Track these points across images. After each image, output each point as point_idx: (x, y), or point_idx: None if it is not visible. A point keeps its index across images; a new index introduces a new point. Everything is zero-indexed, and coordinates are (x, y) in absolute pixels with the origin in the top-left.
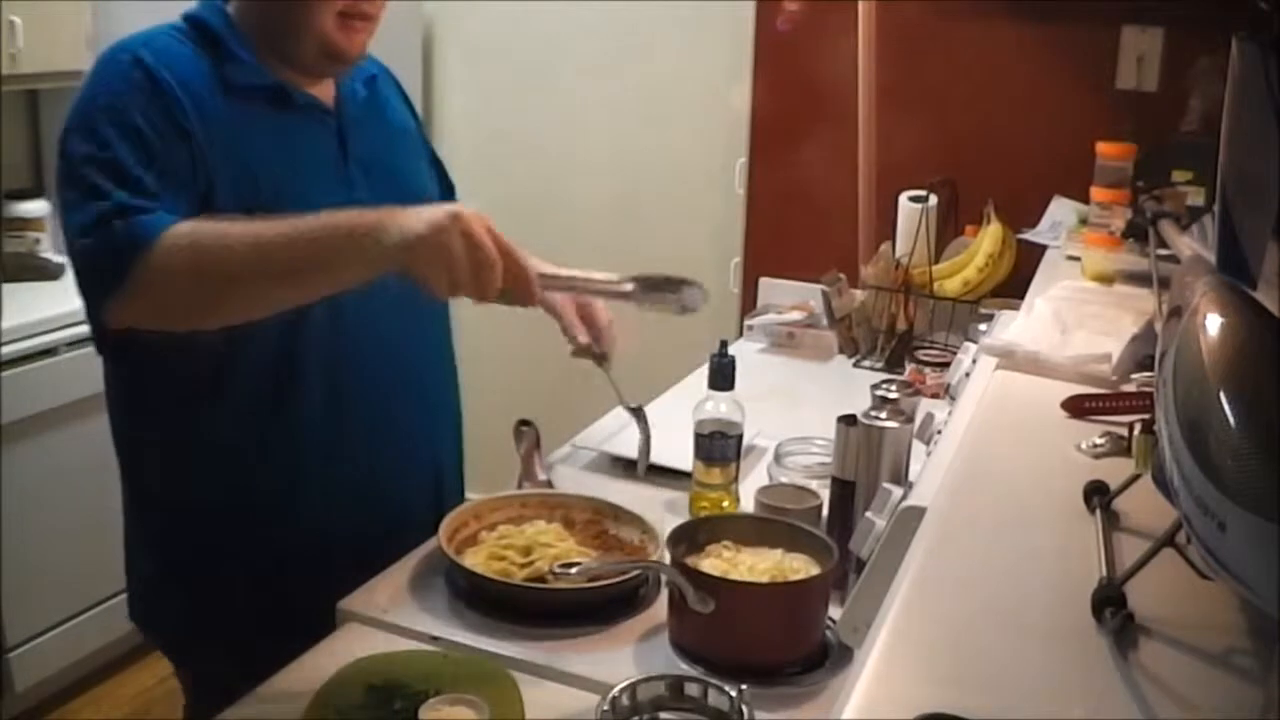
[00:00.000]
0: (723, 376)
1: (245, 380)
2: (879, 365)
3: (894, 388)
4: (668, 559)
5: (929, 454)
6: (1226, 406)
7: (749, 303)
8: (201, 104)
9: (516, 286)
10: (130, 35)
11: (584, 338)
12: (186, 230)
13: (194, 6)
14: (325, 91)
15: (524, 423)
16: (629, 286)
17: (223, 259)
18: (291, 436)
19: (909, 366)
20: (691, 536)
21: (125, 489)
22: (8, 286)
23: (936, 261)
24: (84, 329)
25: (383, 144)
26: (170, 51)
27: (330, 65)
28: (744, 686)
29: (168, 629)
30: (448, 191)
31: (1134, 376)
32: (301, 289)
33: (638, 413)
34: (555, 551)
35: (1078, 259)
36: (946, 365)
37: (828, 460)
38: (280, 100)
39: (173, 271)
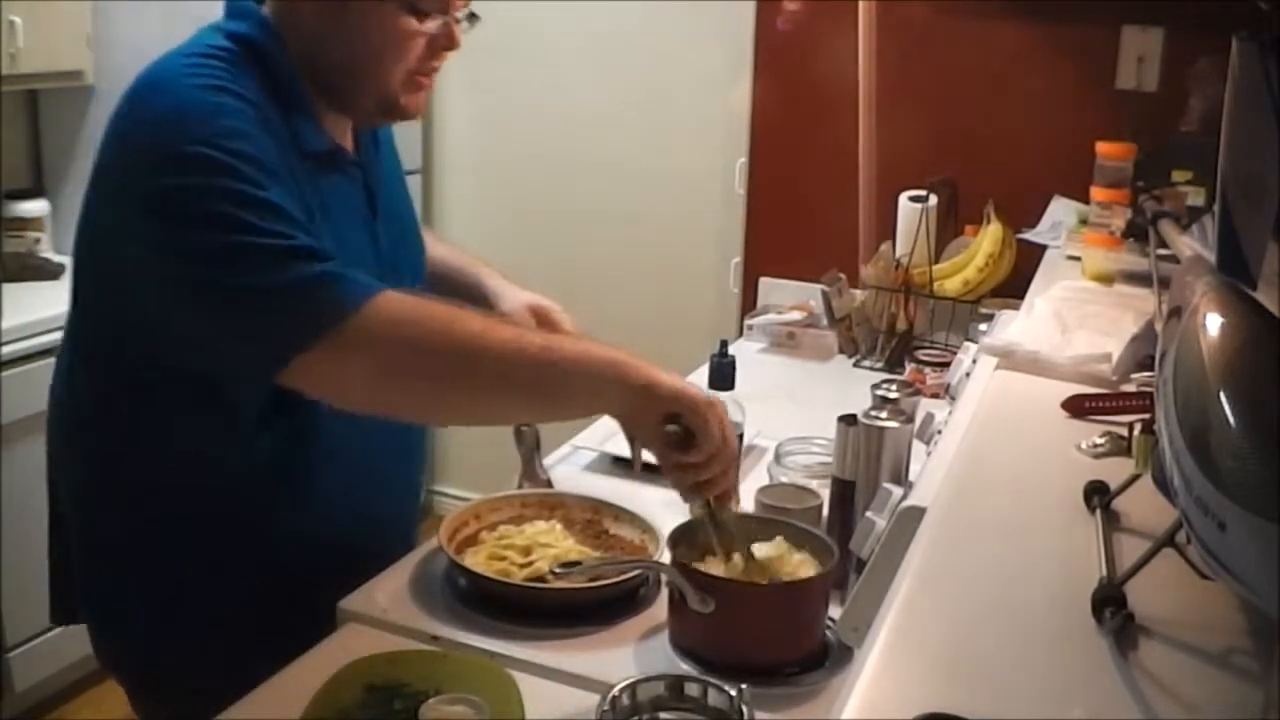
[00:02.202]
0: (723, 376)
1: (238, 397)
2: (879, 365)
3: (894, 388)
4: (668, 559)
5: (929, 454)
6: (1226, 406)
7: (749, 303)
8: (289, 155)
9: (726, 492)
10: (173, 63)
11: None
12: (415, 299)
13: (234, 24)
14: (346, 133)
15: (524, 423)
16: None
17: (468, 347)
18: (281, 452)
19: (909, 366)
20: (691, 536)
21: (95, 496)
22: (8, 286)
23: (936, 261)
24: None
25: (392, 188)
26: (251, 90)
27: (384, 120)
28: (744, 686)
29: (153, 639)
30: None
31: (1134, 376)
32: (531, 408)
33: None
34: (555, 551)
35: (1078, 259)
36: (946, 365)
37: (828, 460)
38: (329, 163)
39: (402, 339)
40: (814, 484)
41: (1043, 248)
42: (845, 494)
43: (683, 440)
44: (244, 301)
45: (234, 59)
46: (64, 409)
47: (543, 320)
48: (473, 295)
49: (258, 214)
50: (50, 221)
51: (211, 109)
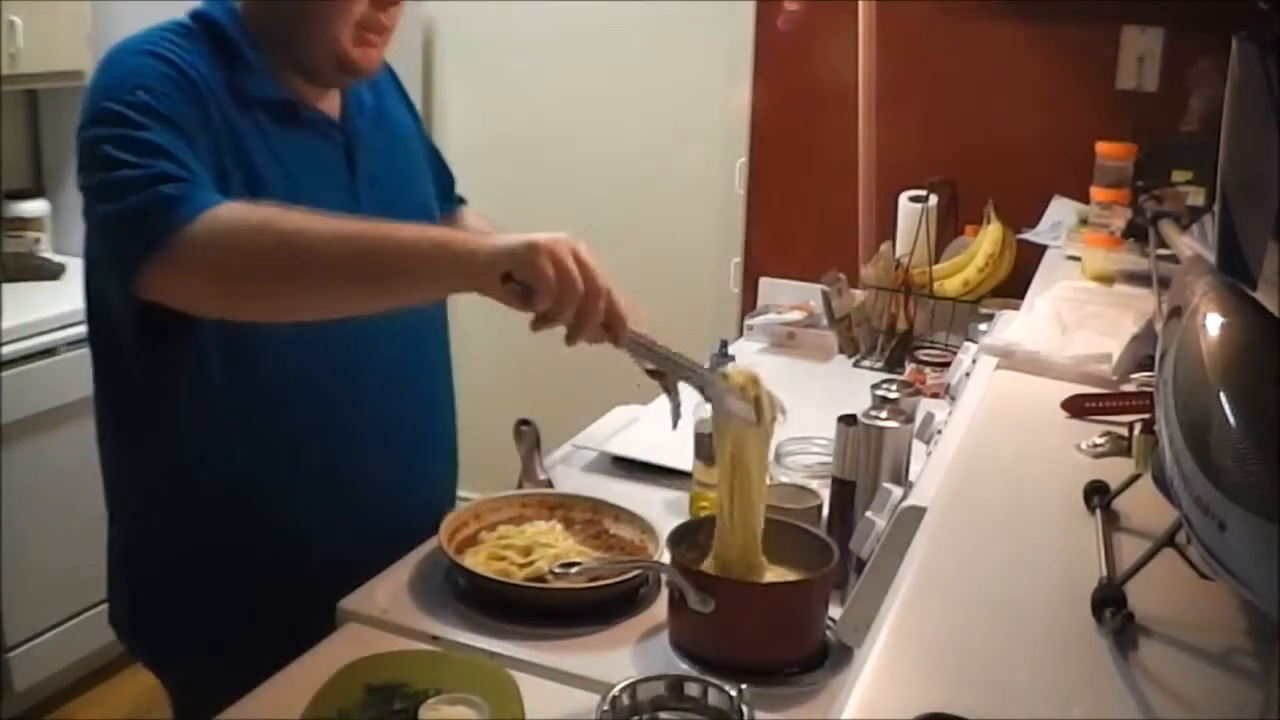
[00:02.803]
0: None
1: (247, 385)
2: (879, 365)
3: (894, 388)
4: (668, 559)
5: (929, 454)
6: (1226, 406)
7: (749, 303)
8: (224, 109)
9: (611, 325)
10: (131, 37)
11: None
12: (254, 207)
13: (202, 5)
14: (331, 101)
15: (524, 423)
16: (710, 387)
17: (292, 244)
18: (289, 440)
19: (909, 366)
20: (691, 536)
21: (114, 498)
22: (8, 286)
23: (936, 261)
24: (84, 329)
25: (388, 156)
26: (185, 52)
27: (343, 78)
28: (744, 686)
29: (158, 638)
30: (448, 182)
31: (1134, 376)
32: (370, 296)
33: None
34: (555, 551)
35: (1078, 259)
36: (946, 365)
37: (828, 460)
38: (288, 116)
39: (231, 243)
40: (814, 484)
41: (1043, 248)
42: (845, 494)
43: (528, 293)
44: (105, 228)
45: (184, 31)
46: (94, 404)
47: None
48: None
49: (135, 152)
50: (50, 221)
51: (129, 70)
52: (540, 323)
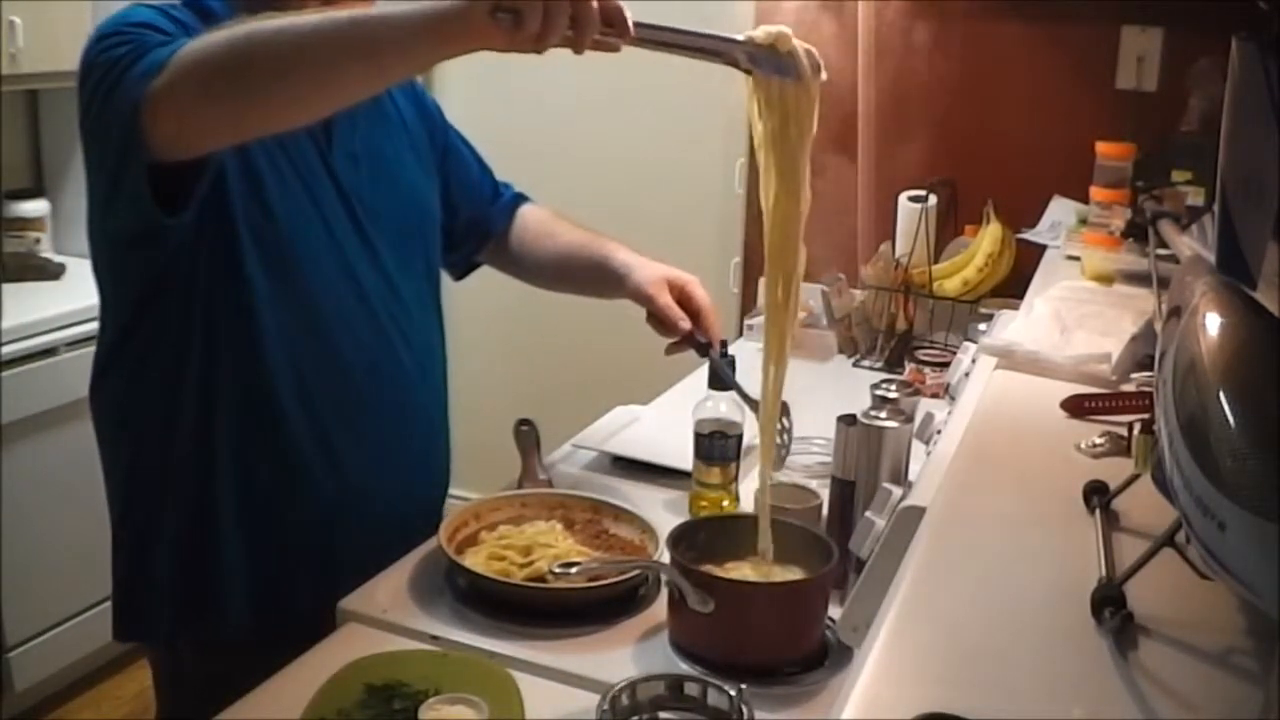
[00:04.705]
0: (722, 376)
1: (238, 384)
2: (879, 365)
3: (894, 387)
4: (668, 559)
5: (929, 454)
6: (1226, 406)
7: (749, 303)
8: None
9: (611, 19)
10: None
11: (686, 324)
12: (235, 24)
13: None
14: None
15: (524, 423)
16: (741, 55)
17: (280, 38)
18: (284, 440)
19: (909, 366)
20: (691, 536)
21: (115, 495)
22: (8, 286)
23: (936, 261)
24: (84, 329)
25: (377, 135)
26: (174, 9)
27: None
28: (744, 686)
29: (158, 635)
30: (486, 173)
31: (1134, 376)
32: (366, 74)
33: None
34: (555, 551)
35: (1077, 259)
36: (946, 365)
37: (827, 460)
38: None
39: (223, 47)
40: (814, 484)
41: (1042, 248)
42: (845, 494)
43: (519, 17)
44: (103, 113)
45: (176, 6)
46: (95, 405)
47: (680, 294)
48: (601, 271)
49: (125, 49)
50: (50, 221)
51: (119, 14)
52: (541, 41)
